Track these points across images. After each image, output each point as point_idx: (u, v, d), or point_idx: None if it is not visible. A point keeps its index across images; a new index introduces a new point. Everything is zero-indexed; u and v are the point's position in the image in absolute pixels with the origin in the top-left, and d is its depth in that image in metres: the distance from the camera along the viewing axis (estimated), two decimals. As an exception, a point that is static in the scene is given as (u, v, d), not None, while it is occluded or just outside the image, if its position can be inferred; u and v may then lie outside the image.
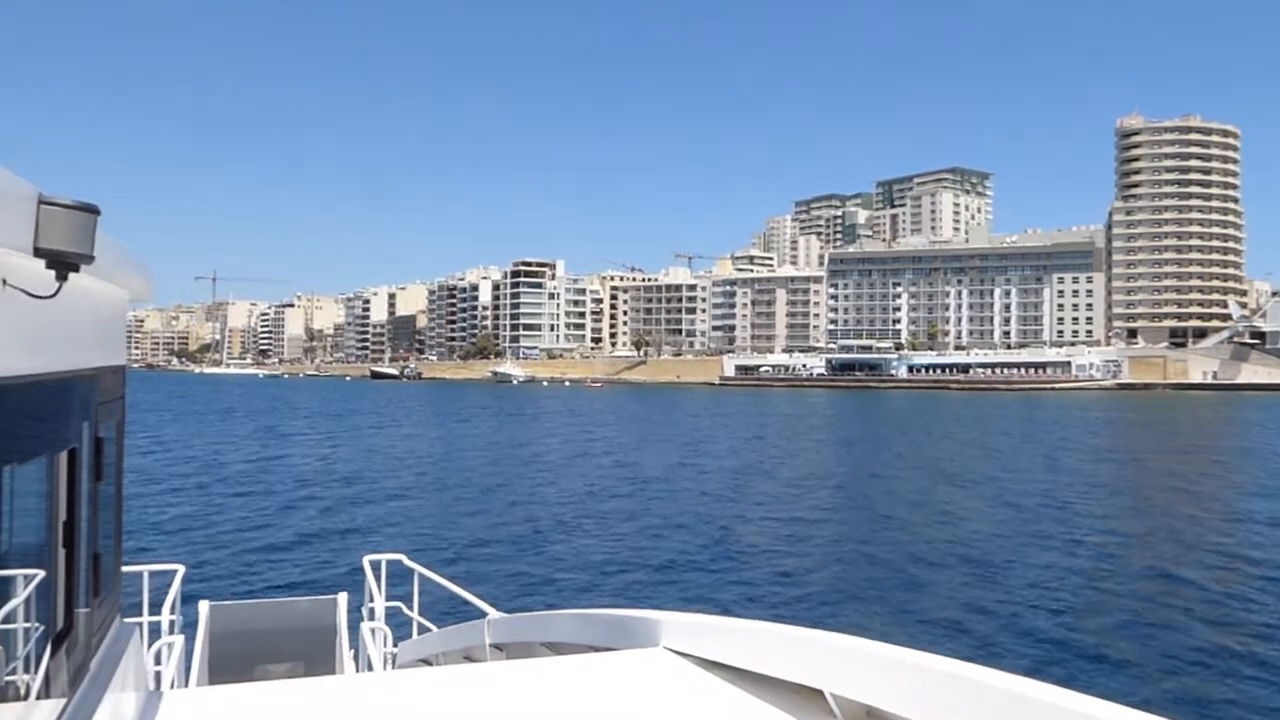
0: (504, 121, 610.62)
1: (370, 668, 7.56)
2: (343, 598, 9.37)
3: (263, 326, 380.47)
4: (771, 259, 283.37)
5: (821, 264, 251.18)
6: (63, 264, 2.09)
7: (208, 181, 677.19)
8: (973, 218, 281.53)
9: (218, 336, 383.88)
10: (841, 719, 2.84)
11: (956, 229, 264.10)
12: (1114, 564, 23.65)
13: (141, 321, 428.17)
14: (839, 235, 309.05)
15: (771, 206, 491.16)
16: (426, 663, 6.08)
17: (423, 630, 7.47)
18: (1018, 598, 19.56)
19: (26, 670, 2.20)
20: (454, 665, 5.28)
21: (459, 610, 7.80)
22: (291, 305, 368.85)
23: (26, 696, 2.19)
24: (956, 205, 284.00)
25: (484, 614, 5.69)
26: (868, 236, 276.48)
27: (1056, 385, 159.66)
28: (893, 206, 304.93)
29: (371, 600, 8.43)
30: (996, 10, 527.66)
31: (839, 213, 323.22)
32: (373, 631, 8.01)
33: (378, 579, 8.48)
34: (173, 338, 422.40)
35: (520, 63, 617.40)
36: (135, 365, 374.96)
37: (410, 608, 8.02)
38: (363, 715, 3.38)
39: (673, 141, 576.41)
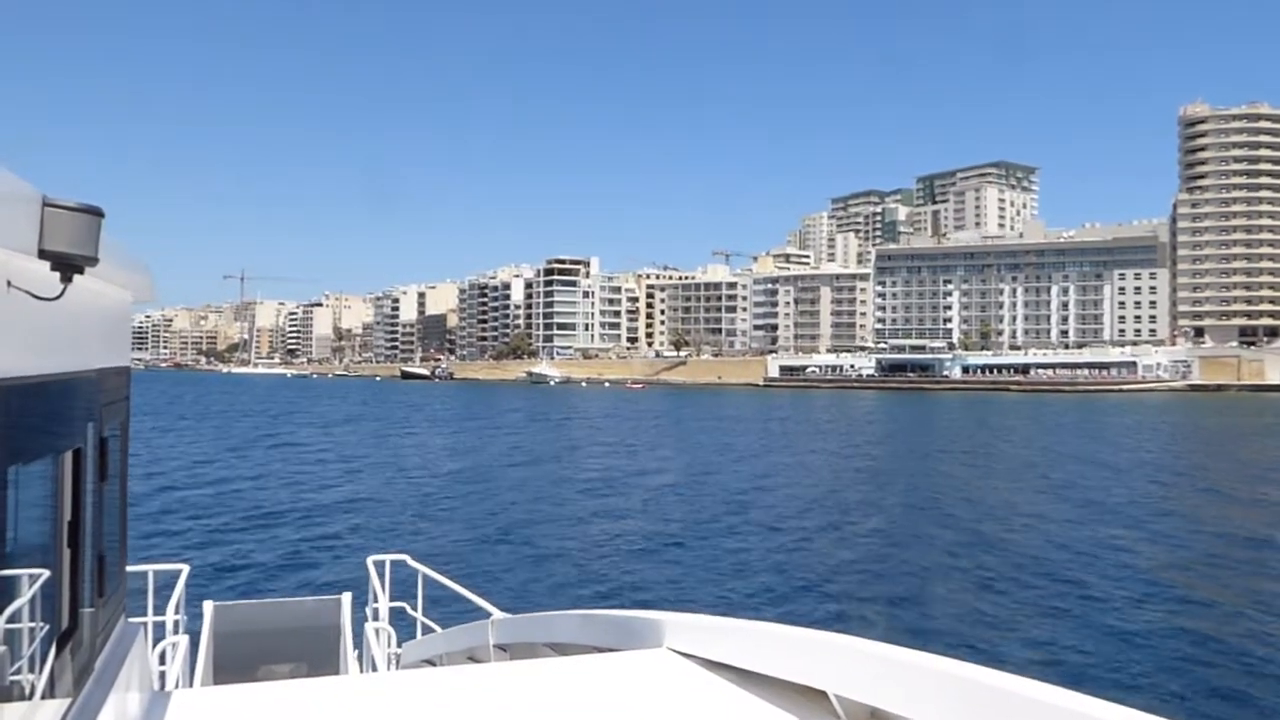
0: (532, 120, 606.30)
1: (374, 668, 7.54)
2: (347, 598, 9.25)
3: (291, 326, 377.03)
4: (808, 257, 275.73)
5: (860, 261, 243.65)
6: (67, 266, 2.10)
7: (236, 180, 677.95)
8: (1018, 214, 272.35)
9: (246, 336, 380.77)
10: None
11: (1002, 225, 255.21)
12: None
13: (170, 321, 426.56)
14: (878, 232, 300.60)
15: (806, 204, 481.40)
16: (430, 663, 6.08)
17: (427, 631, 7.50)
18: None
19: (31, 670, 2.20)
20: (458, 666, 5.34)
21: (463, 611, 7.45)
22: (320, 304, 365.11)
23: (31, 696, 2.19)
24: (1001, 201, 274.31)
25: (488, 614, 5.71)
26: (908, 233, 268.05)
27: (1123, 387, 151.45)
28: (934, 202, 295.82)
29: (375, 601, 8.39)
30: (1035, 4, 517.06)
31: (878, 209, 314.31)
32: (376, 632, 7.94)
33: (381, 579, 8.43)
34: (201, 337, 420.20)
35: (546, 62, 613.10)
36: (163, 365, 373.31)
37: (414, 608, 8.02)
38: (367, 716, 3.38)
39: (703, 139, 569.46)
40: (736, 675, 3.45)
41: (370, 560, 8.93)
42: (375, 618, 8.33)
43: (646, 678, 3.65)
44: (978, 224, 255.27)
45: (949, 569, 22.72)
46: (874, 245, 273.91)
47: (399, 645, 7.77)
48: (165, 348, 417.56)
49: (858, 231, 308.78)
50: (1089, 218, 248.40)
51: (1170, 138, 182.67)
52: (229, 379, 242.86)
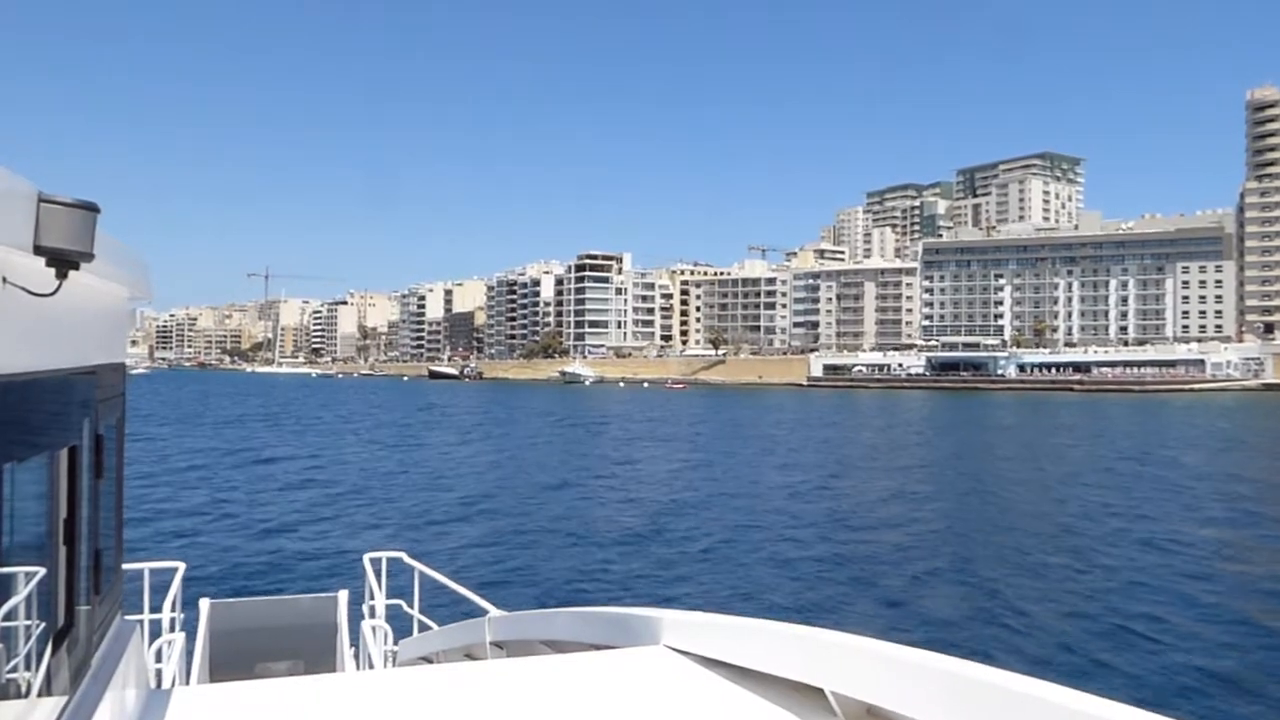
0: (559, 116, 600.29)
1: (371, 665, 7.55)
2: (343, 595, 9.21)
3: (315, 325, 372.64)
4: (843, 253, 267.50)
5: (899, 256, 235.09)
6: (62, 262, 2.08)
7: (260, 178, 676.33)
8: (1063, 206, 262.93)
9: (270, 335, 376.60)
10: (842, 717, 2.85)
11: (1046, 217, 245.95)
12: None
13: (194, 320, 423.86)
14: (916, 227, 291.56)
15: (839, 199, 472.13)
16: (427, 660, 6.09)
17: (423, 628, 7.50)
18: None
19: (28, 668, 2.20)
20: (455, 663, 5.32)
21: (460, 608, 7.52)
22: (344, 303, 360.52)
23: (28, 694, 2.20)
24: (1046, 193, 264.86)
25: (485, 612, 5.72)
26: (948, 227, 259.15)
27: (1192, 386, 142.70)
28: (975, 195, 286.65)
29: (372, 598, 8.38)
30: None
31: (916, 203, 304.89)
32: (373, 629, 7.91)
33: (378, 577, 8.41)
34: (225, 336, 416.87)
35: (574, 58, 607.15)
36: (187, 364, 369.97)
37: (411, 605, 7.99)
38: (363, 713, 3.40)
39: (731, 135, 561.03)
40: (733, 672, 3.45)
41: (367, 558, 8.78)
42: (372, 615, 8.23)
43: (643, 675, 3.65)
44: (1021, 217, 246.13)
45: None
46: (911, 240, 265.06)
47: (396, 643, 7.59)
48: (189, 347, 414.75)
49: (894, 226, 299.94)
50: (1134, 211, 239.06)
51: (1223, 128, 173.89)
52: (252, 378, 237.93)
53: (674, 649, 3.84)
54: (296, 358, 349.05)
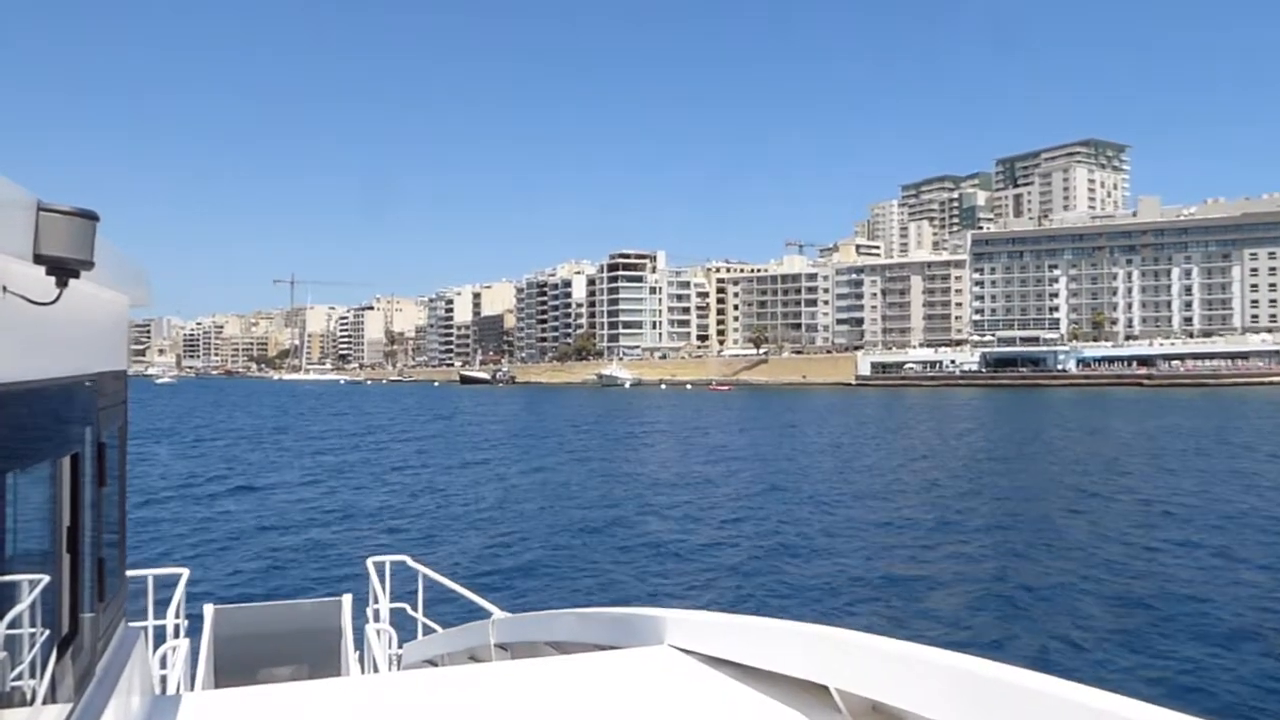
0: (586, 117, 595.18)
1: (375, 669, 7.55)
2: (347, 600, 9.14)
3: (342, 331, 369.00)
4: (879, 247, 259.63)
5: (937, 249, 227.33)
6: (63, 270, 2.08)
7: (283, 184, 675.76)
8: (1109, 195, 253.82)
9: (296, 342, 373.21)
10: (847, 715, 2.85)
11: (1092, 206, 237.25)
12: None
13: (221, 328, 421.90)
14: (955, 219, 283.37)
15: (870, 193, 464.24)
16: (432, 664, 6.12)
17: (428, 631, 7.51)
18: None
19: (33, 675, 2.21)
20: (459, 666, 5.35)
21: (464, 611, 7.46)
22: (371, 308, 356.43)
23: (33, 701, 2.20)
24: (1092, 181, 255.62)
25: (488, 614, 5.73)
26: (988, 219, 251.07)
27: (1269, 379, 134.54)
28: (1015, 186, 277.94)
29: (376, 602, 8.39)
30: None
31: (954, 195, 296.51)
32: (378, 633, 7.90)
33: (382, 581, 8.41)
34: (251, 344, 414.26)
35: (601, 61, 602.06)
36: (214, 372, 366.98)
37: (415, 609, 8.00)
38: (368, 717, 3.43)
39: (757, 133, 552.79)
40: (738, 671, 3.46)
41: (370, 561, 8.80)
42: (376, 619, 8.23)
43: (648, 675, 3.66)
44: (1066, 206, 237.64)
45: None
46: (950, 233, 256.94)
47: (400, 646, 7.61)
48: (216, 355, 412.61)
49: (931, 219, 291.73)
50: (1185, 198, 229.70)
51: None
52: (279, 386, 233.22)
53: (678, 648, 3.83)
54: (324, 364, 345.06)
